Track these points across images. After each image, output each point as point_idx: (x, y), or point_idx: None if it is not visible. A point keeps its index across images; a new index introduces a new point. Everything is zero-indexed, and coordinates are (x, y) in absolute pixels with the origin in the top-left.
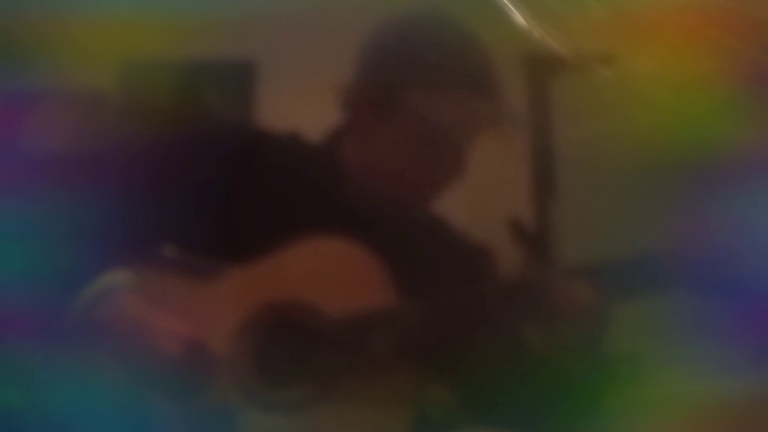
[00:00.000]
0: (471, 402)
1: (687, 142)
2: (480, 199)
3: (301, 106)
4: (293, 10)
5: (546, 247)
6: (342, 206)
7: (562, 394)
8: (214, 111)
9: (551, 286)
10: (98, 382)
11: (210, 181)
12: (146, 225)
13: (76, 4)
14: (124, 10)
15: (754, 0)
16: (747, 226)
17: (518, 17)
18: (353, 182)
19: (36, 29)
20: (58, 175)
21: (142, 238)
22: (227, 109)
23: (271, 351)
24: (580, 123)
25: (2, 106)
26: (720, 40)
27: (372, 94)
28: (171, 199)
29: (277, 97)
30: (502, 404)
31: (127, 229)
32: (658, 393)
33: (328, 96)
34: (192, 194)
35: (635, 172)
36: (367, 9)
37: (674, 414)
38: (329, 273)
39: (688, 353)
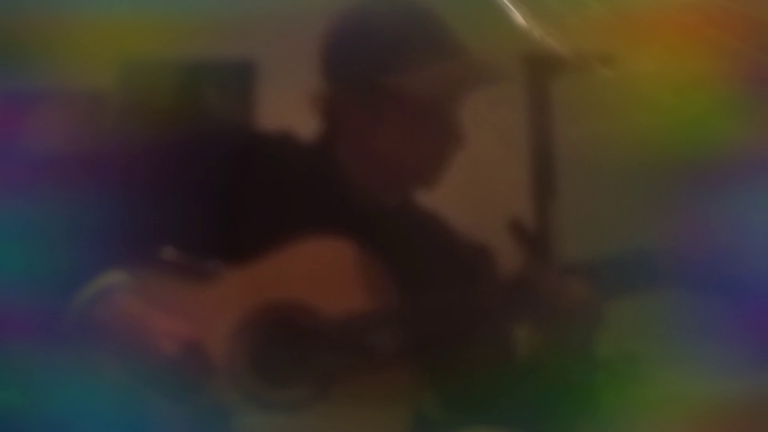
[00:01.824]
0: (470, 402)
1: (687, 142)
2: (480, 199)
3: (300, 106)
4: (293, 10)
5: (546, 246)
6: (341, 206)
7: (562, 394)
8: (214, 111)
9: (547, 283)
10: (98, 382)
11: (209, 181)
12: (145, 225)
13: (76, 4)
14: (124, 10)
15: (754, 0)
16: (747, 226)
17: (518, 17)
18: (352, 181)
19: (36, 29)
20: (58, 175)
21: (141, 239)
22: (227, 109)
23: (270, 351)
24: (580, 123)
25: (2, 106)
26: (720, 40)
27: (349, 95)
28: (170, 199)
29: (277, 97)
30: (501, 404)
31: (126, 229)
32: (658, 393)
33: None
34: (191, 194)
35: (635, 172)
36: None
37: (674, 414)
38: (328, 273)
39: (688, 353)
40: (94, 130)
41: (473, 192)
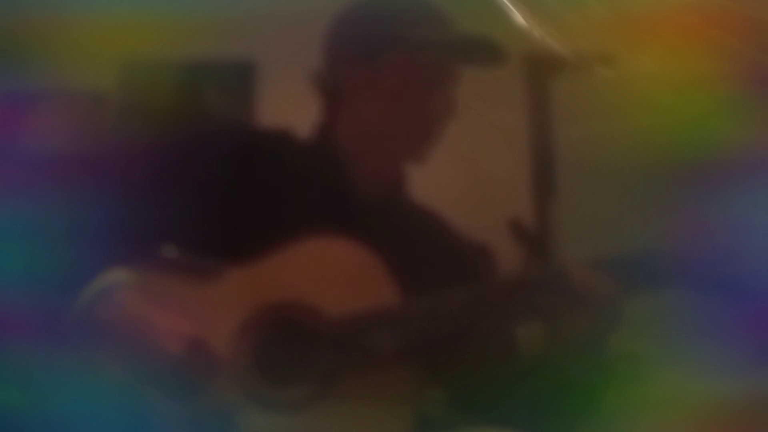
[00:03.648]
0: (471, 402)
1: (687, 142)
2: (480, 199)
3: (301, 105)
4: (293, 10)
5: (546, 246)
6: (342, 205)
7: (562, 394)
8: (214, 111)
9: (550, 283)
10: (98, 382)
11: (209, 180)
12: (146, 225)
13: (76, 4)
14: (124, 10)
15: (754, 0)
16: (747, 226)
17: (518, 17)
18: (351, 171)
19: (36, 29)
20: (58, 175)
21: (142, 238)
22: (227, 109)
23: (272, 351)
24: (580, 123)
25: (2, 106)
26: (720, 40)
27: (348, 67)
28: (171, 199)
29: (277, 97)
30: (502, 404)
31: (127, 229)
32: (658, 393)
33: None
34: (192, 194)
35: (635, 172)
36: None
37: (674, 414)
38: (329, 273)
39: (688, 353)
40: (94, 130)
41: (473, 192)
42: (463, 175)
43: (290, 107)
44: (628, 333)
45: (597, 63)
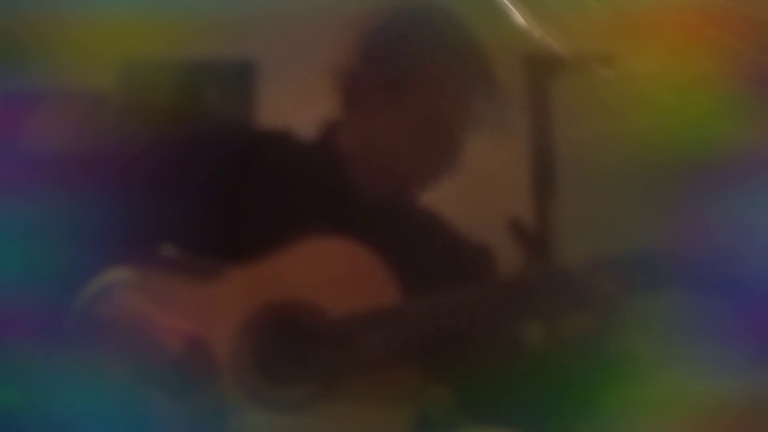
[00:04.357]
0: (471, 402)
1: (687, 142)
2: (480, 199)
3: (301, 106)
4: (293, 10)
5: (546, 246)
6: (343, 204)
7: (562, 394)
8: (214, 111)
9: (572, 276)
10: (98, 382)
11: (210, 180)
12: (146, 225)
13: (76, 4)
14: (124, 10)
15: (754, 0)
16: (747, 226)
17: (518, 17)
18: (352, 178)
19: (36, 29)
20: (58, 175)
21: (142, 238)
22: (227, 109)
23: (272, 350)
24: (580, 123)
25: (2, 106)
26: (720, 40)
27: (375, 77)
28: (171, 199)
29: (277, 97)
30: (502, 404)
31: (127, 229)
32: (658, 393)
33: (328, 95)
34: (192, 194)
35: (635, 172)
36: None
37: (674, 414)
38: (330, 272)
39: (688, 353)
40: (94, 130)
41: (473, 192)
42: (463, 175)
43: (290, 107)
44: (628, 333)
45: (597, 63)
